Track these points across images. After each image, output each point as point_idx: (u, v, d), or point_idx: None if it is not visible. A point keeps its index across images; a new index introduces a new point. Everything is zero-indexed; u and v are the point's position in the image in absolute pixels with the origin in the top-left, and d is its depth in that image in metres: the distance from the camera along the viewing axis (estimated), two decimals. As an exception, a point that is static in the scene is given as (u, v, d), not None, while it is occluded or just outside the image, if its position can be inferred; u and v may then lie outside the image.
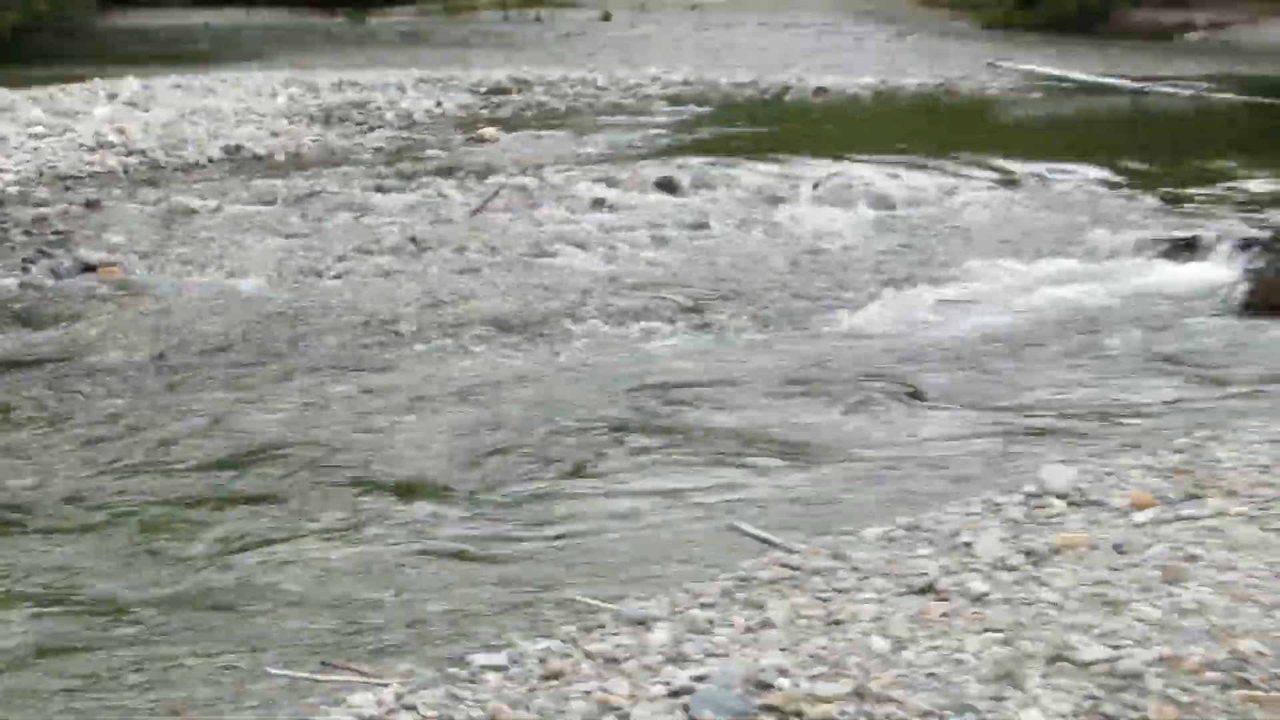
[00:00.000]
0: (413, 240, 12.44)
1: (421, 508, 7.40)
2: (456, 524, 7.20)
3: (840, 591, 5.60)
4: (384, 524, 7.18)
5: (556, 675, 5.08)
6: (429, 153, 16.85)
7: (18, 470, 7.85)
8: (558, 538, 7.03)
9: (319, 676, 5.44)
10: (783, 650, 5.09)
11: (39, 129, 15.74)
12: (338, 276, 11.63)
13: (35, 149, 14.92)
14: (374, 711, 4.94)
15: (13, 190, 13.26)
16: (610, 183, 14.65)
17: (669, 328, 10.69)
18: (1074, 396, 9.16)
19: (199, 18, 38.93)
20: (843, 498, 7.40)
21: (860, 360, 9.93)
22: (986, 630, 5.05)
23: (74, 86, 18.44)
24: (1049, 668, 4.73)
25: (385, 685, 5.20)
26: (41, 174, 14.10)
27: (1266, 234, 12.51)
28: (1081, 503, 6.33)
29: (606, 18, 40.07)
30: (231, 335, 10.23)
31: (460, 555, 6.83)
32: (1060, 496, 6.38)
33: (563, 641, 5.41)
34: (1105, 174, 16.58)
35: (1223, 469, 6.66)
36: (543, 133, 18.61)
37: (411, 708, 4.93)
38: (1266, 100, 25.61)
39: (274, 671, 5.54)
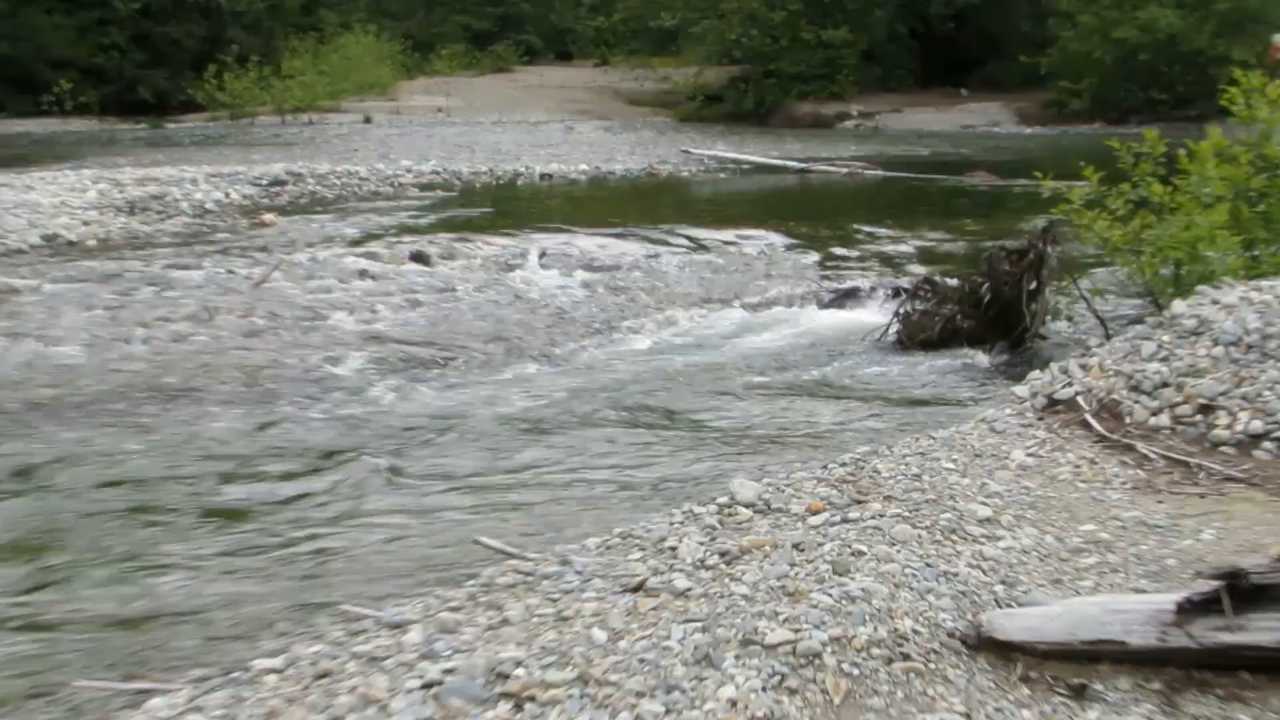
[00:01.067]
0: (206, 309, 12.17)
1: (199, 533, 7.23)
2: (235, 546, 7.03)
3: (567, 592, 5.52)
4: (167, 552, 6.99)
5: (326, 674, 4.93)
6: (219, 235, 16.53)
7: None
8: (328, 556, 6.89)
9: (120, 686, 5.23)
10: (519, 644, 5.00)
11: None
12: (143, 341, 11.33)
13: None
14: (168, 714, 4.74)
15: None
16: (372, 256, 14.51)
17: (418, 373, 10.59)
18: (757, 421, 9.22)
19: (19, 127, 37.95)
20: (568, 514, 7.34)
21: (578, 395, 9.93)
22: (689, 621, 5.01)
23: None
24: (742, 650, 4.70)
25: (178, 690, 5.01)
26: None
27: (909, 283, 12.72)
28: (766, 510, 6.31)
29: (367, 121, 39.88)
30: (43, 395, 9.89)
31: (241, 574, 6.67)
32: (748, 506, 6.35)
33: (331, 645, 5.26)
34: (779, 238, 16.83)
35: (881, 478, 6.71)
36: (314, 217, 18.38)
37: (200, 709, 4.76)
38: (904, 175, 26.23)
39: (79, 684, 5.33)
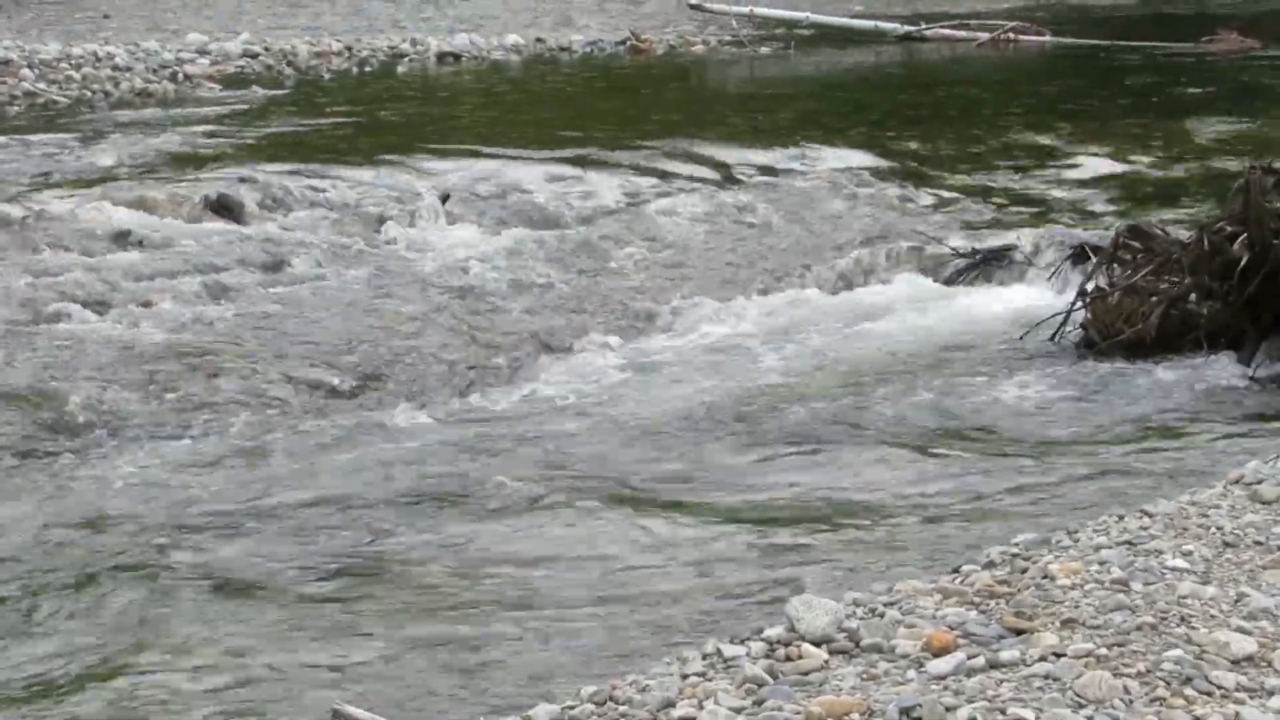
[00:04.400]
0: None
1: None
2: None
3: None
4: None
5: None
6: None
7: None
8: None
9: None
10: None
11: None
12: None
13: None
14: None
15: None
16: (140, 206, 14.44)
17: (221, 423, 10.63)
18: (829, 490, 9.25)
19: None
20: (498, 658, 7.38)
21: (520, 451, 9.97)
22: None
23: None
24: None
25: None
26: None
27: (1099, 238, 12.70)
28: (852, 649, 6.35)
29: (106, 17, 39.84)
30: None
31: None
32: (820, 641, 6.39)
33: None
34: (867, 160, 16.82)
35: (1058, 588, 6.74)
36: (35, 137, 18.39)
37: None
38: (1087, 42, 26.33)
39: None
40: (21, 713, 6.89)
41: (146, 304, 16.54)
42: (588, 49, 25.76)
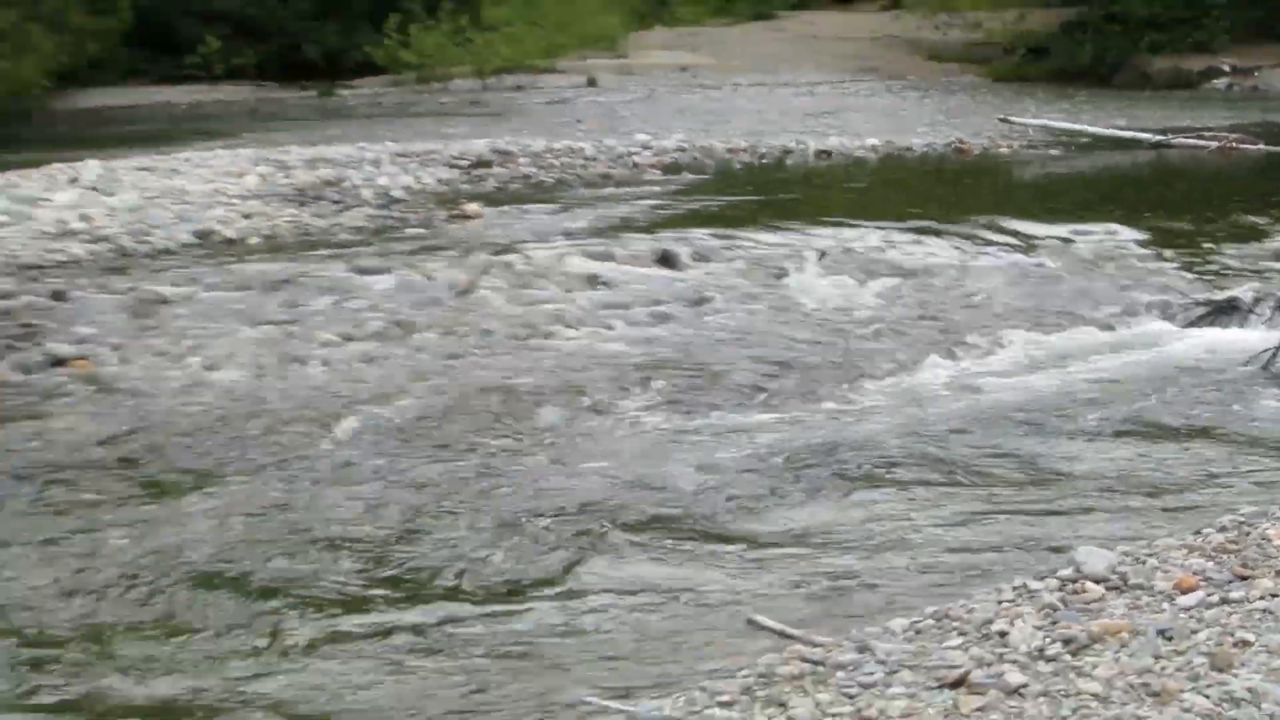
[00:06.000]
0: (398, 324, 12.44)
1: (413, 604, 7.40)
2: (433, 621, 7.18)
3: (867, 687, 5.60)
4: (384, 623, 7.17)
5: None
6: (410, 231, 16.83)
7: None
8: (564, 633, 7.01)
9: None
10: (809, 752, 5.10)
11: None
12: (322, 364, 11.63)
13: (-8, 238, 14.95)
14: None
15: (-28, 282, 13.27)
16: (604, 258, 14.58)
17: (670, 409, 10.71)
18: (1107, 473, 9.16)
19: (157, 97, 39.02)
20: (865, 587, 7.40)
21: (876, 440, 9.95)
22: (1026, 725, 5.08)
23: (33, 172, 18.44)
24: (1094, 765, 4.76)
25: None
26: (3, 265, 14.07)
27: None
28: (1121, 587, 6.34)
29: (592, 84, 40.13)
30: (207, 431, 10.22)
31: (451, 656, 6.83)
32: (1098, 580, 6.39)
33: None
34: (1129, 234, 16.60)
35: (1272, 546, 6.68)
36: (529, 207, 18.60)
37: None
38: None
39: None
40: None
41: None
42: (924, 150, 25.57)
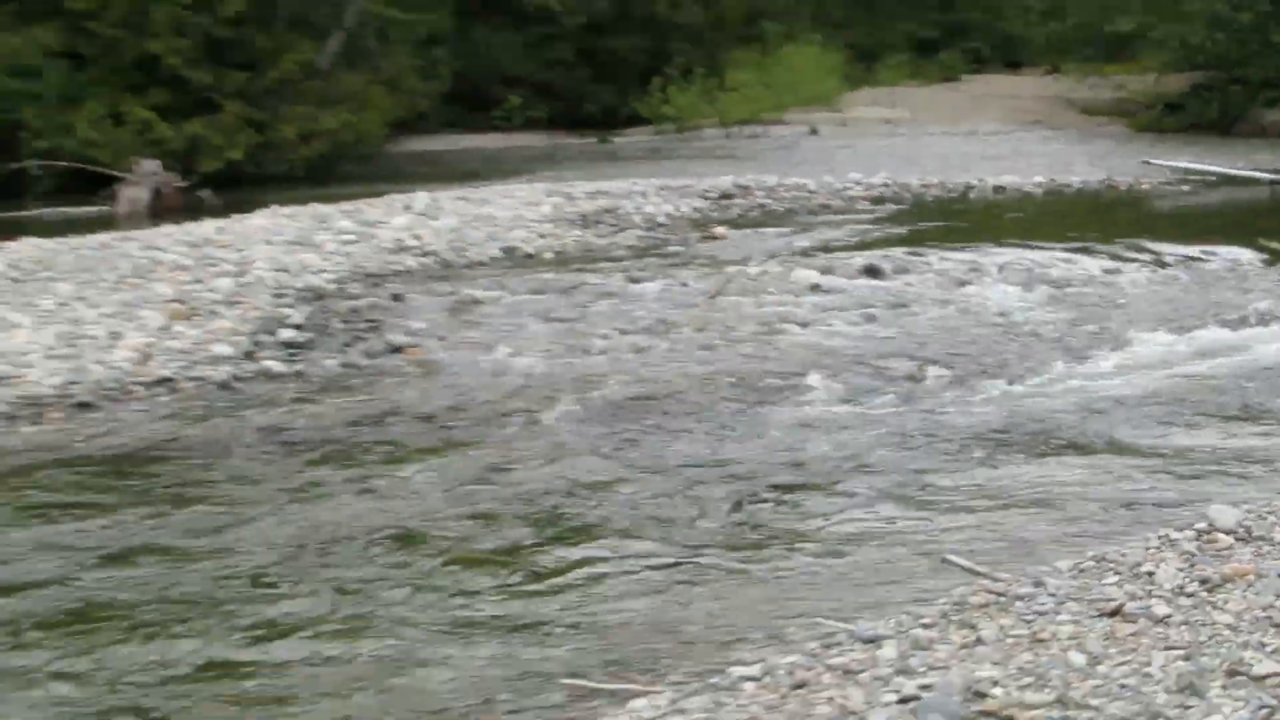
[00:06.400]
0: (662, 322, 12.50)
1: (674, 542, 7.46)
2: (711, 557, 7.24)
3: (1040, 614, 5.56)
4: (648, 558, 7.24)
5: (803, 685, 5.10)
6: (671, 249, 16.89)
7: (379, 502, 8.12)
8: (794, 569, 7.05)
9: (605, 686, 5.50)
10: (994, 664, 5.07)
11: (350, 236, 16.02)
12: (601, 353, 11.73)
13: (348, 253, 15.18)
14: (651, 715, 4.99)
15: (332, 287, 13.52)
16: (824, 270, 14.46)
17: (878, 389, 10.64)
18: (1236, 447, 8.98)
19: (469, 143, 39.50)
20: (1038, 535, 7.34)
21: (1044, 416, 9.82)
22: (1169, 648, 5.02)
23: (376, 201, 18.77)
24: (1228, 680, 4.69)
25: (660, 693, 5.25)
26: (354, 273, 14.35)
27: None
28: (1247, 538, 6.23)
29: (813, 132, 39.98)
30: (510, 403, 10.37)
31: (708, 584, 6.88)
32: (1228, 532, 6.29)
33: (806, 656, 5.43)
34: (1250, 254, 16.22)
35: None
36: (764, 230, 18.56)
37: (682, 711, 4.98)
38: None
39: (567, 682, 5.62)
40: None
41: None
42: (1080, 185, 25.11)
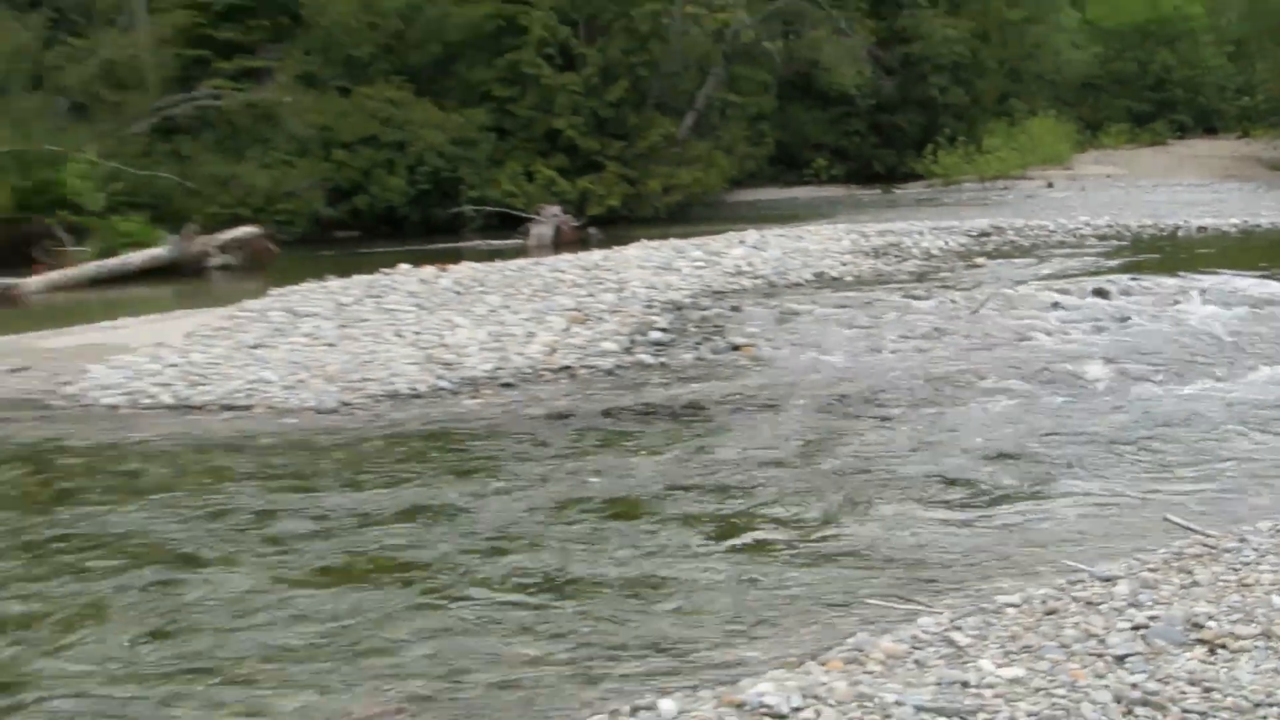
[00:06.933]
0: (936, 329, 12.25)
1: (951, 498, 7.30)
2: (975, 511, 7.06)
3: (1246, 564, 5.30)
4: (933, 509, 7.09)
5: (1053, 611, 4.94)
6: (941, 274, 16.44)
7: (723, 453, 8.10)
8: (1044, 520, 6.83)
9: (898, 605, 5.42)
10: (1209, 602, 4.85)
11: (699, 263, 16.04)
12: (891, 352, 11.57)
13: (699, 275, 15.22)
14: (935, 629, 4.89)
15: (687, 300, 13.57)
16: (1062, 291, 13.90)
17: (1111, 384, 10.24)
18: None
19: (787, 194, 39.37)
20: (1241, 500, 6.97)
21: (1244, 404, 9.37)
22: (1359, 593, 4.71)
23: (719, 237, 18.77)
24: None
25: (940, 613, 5.14)
26: (703, 290, 14.39)
27: None
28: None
29: (1050, 186, 38.72)
30: (822, 390, 10.28)
31: (968, 526, 6.71)
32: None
33: (1055, 589, 5.26)
34: None
35: None
36: (1014, 260, 17.97)
37: (959, 628, 4.87)
38: None
39: (870, 601, 5.55)
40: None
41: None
42: (1269, 226, 23.63)
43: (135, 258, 21.37)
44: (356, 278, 14.65)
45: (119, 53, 26.33)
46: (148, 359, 11.52)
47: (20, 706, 4.78)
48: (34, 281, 19.64)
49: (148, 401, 10.45)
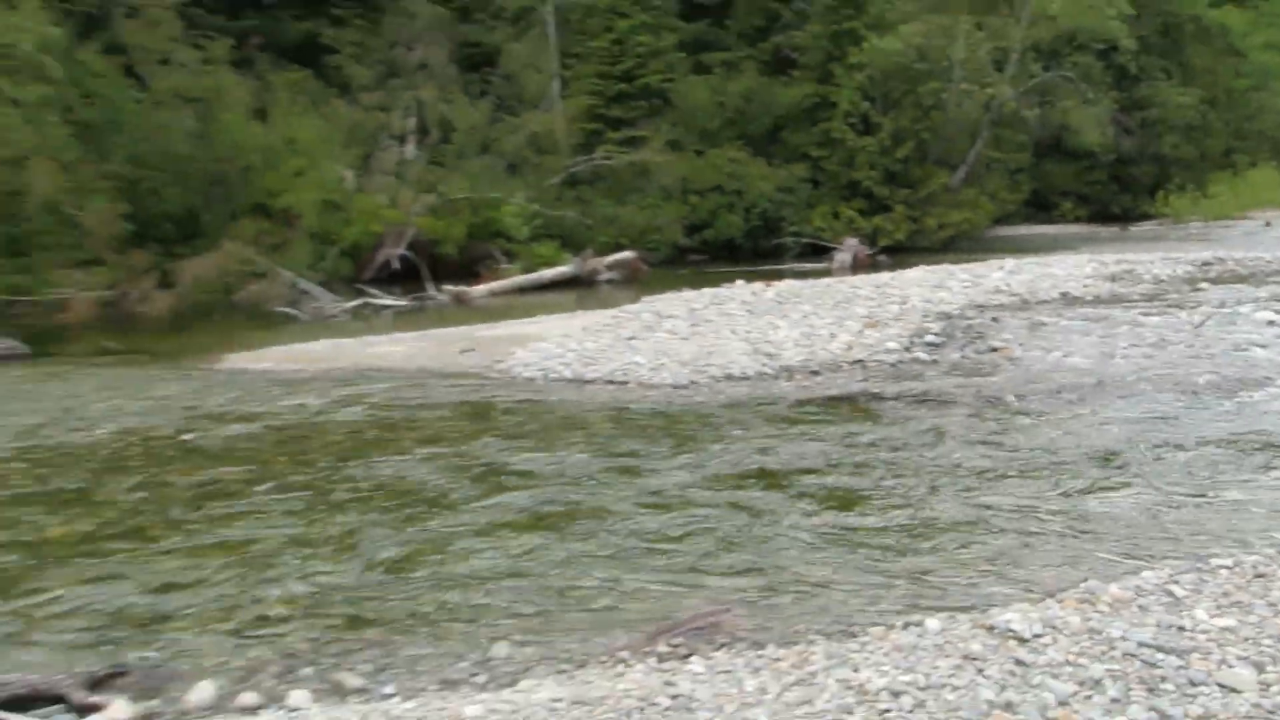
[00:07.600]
0: (1163, 340, 11.29)
1: (1166, 476, 6.69)
2: (1194, 488, 6.46)
3: None
4: (1145, 485, 6.54)
5: (1262, 575, 4.49)
6: (1169, 296, 15.02)
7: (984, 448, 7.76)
8: (1259, 503, 6.14)
9: (1123, 560, 5.05)
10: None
11: (966, 283, 15.39)
12: (1123, 358, 10.76)
13: (965, 293, 14.63)
14: (1157, 581, 4.53)
15: (955, 312, 13.07)
16: (1277, 311, 12.49)
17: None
18: None
19: (1038, 231, 37.26)
20: None
21: None
22: None
23: (978, 264, 17.98)
24: None
25: (1161, 570, 4.76)
26: (969, 304, 13.79)
27: None
28: None
29: (1267, 225, 35.16)
30: (1070, 383, 9.69)
31: (1190, 504, 6.12)
32: None
33: (1264, 558, 4.76)
34: None
35: None
36: (1233, 285, 16.29)
37: (1177, 582, 4.50)
38: None
39: (1099, 555, 5.20)
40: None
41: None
42: None
43: (548, 273, 22.46)
44: (704, 290, 14.85)
45: (541, 127, 27.80)
46: (555, 345, 12.03)
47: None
48: (478, 289, 20.91)
49: (554, 376, 10.90)
